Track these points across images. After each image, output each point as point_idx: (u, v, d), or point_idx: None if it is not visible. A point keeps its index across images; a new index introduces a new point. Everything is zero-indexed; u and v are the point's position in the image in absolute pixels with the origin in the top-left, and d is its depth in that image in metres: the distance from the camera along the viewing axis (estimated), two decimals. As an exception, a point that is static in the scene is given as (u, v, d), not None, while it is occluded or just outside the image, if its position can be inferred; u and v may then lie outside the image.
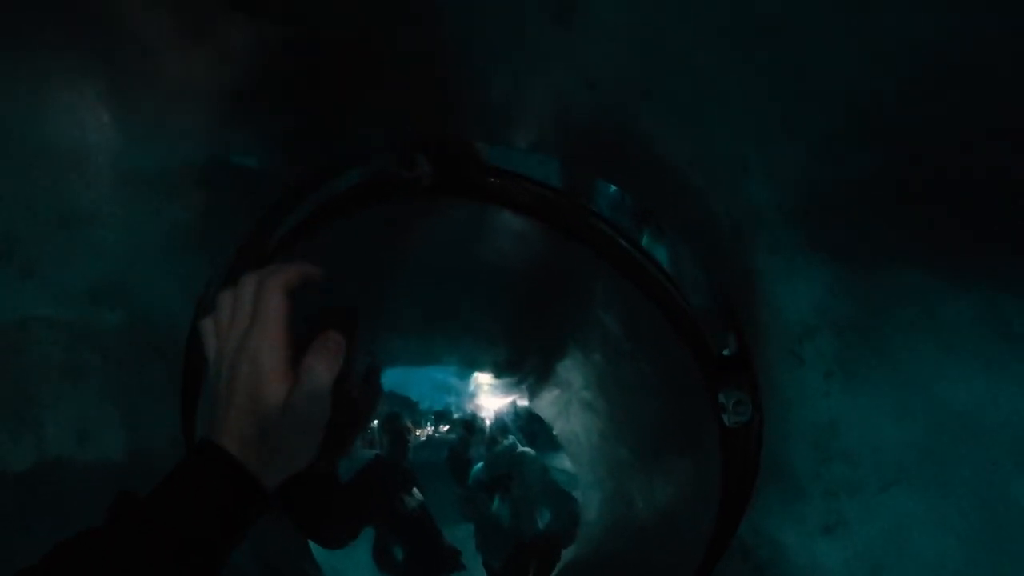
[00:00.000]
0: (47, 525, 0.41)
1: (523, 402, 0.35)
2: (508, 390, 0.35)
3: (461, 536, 0.36)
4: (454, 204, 0.39)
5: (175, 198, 0.38)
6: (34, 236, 0.38)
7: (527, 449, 0.36)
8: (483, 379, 0.35)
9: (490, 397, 0.35)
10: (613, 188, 0.40)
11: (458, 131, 0.41)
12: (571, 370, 0.36)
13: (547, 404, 0.35)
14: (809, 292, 0.37)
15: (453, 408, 0.35)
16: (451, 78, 0.39)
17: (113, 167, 0.38)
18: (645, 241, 0.40)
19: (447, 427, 0.35)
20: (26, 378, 0.40)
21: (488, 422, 0.35)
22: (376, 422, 0.34)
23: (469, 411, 0.35)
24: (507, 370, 0.35)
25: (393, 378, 0.35)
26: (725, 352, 0.40)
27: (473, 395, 0.35)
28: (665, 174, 0.39)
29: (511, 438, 0.36)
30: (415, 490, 0.35)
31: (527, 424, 0.35)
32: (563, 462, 0.36)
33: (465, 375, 0.35)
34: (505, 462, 0.36)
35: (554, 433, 0.35)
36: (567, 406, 0.35)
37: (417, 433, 0.35)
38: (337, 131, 0.40)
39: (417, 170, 0.40)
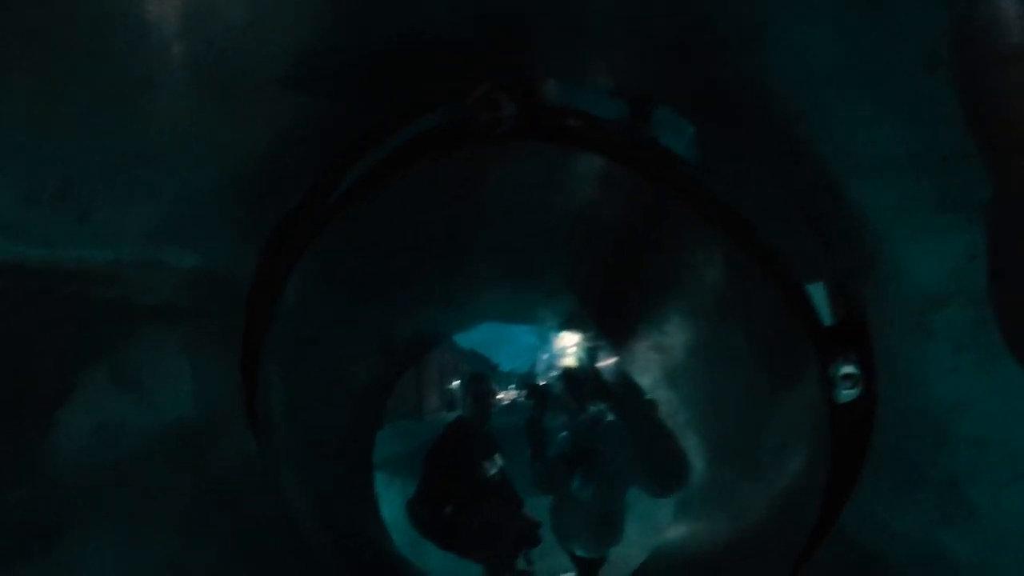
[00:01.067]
0: (108, 481, 0.39)
1: (616, 369, 0.32)
2: (599, 354, 0.32)
3: (542, 509, 0.33)
4: (538, 149, 0.36)
5: (238, 141, 0.36)
6: (91, 177, 0.36)
7: (618, 421, 0.32)
8: (573, 340, 0.32)
9: (579, 361, 0.32)
10: (711, 135, 0.36)
11: (538, 71, 0.37)
12: (670, 335, 0.32)
13: (643, 371, 0.32)
14: (943, 256, 0.33)
15: (538, 371, 0.32)
16: (528, 14, 0.36)
17: (176, 107, 0.35)
18: (746, 193, 0.36)
19: (531, 391, 0.32)
20: (83, 325, 0.39)
21: (576, 388, 0.32)
22: (458, 383, 0.32)
23: (556, 375, 0.32)
24: (599, 332, 0.32)
25: (475, 337, 0.32)
26: (835, 320, 0.36)
27: (561, 358, 0.32)
28: (771, 120, 0.35)
29: (600, 407, 0.32)
30: (496, 457, 0.32)
31: (620, 393, 0.32)
32: (659, 435, 0.32)
33: (553, 336, 0.32)
34: (591, 434, 0.33)
35: (650, 404, 0.32)
36: (666, 374, 0.32)
37: (500, 396, 0.32)
38: (409, 74, 0.37)
39: (499, 112, 0.36)
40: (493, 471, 0.32)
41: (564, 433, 0.33)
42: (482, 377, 0.32)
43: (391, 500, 0.34)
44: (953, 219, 0.32)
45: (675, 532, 0.33)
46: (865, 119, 0.33)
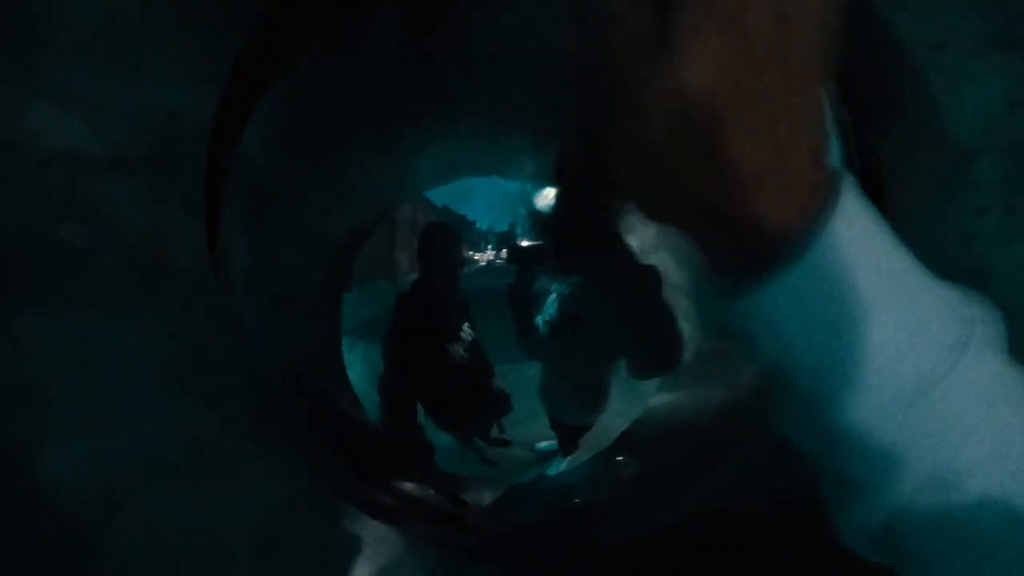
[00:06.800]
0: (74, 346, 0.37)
1: (607, 227, 0.29)
2: (589, 212, 0.29)
3: (517, 378, 0.31)
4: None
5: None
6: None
7: (609, 285, 0.30)
8: (559, 197, 0.29)
9: (567, 220, 0.29)
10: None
11: None
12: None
13: (637, 231, 0.29)
14: (980, 103, 0.29)
15: (519, 230, 0.29)
16: None
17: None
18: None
19: (511, 252, 0.29)
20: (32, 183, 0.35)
21: (562, 249, 0.29)
22: (424, 241, 0.29)
23: (539, 235, 0.29)
24: (592, 184, 0.29)
25: (449, 192, 0.29)
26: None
27: (547, 214, 0.29)
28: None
29: (590, 268, 0.30)
30: (465, 323, 0.29)
31: (609, 253, 0.29)
32: (648, 299, 0.30)
33: (540, 189, 0.29)
34: (577, 299, 0.30)
35: (644, 267, 0.29)
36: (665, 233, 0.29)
37: (476, 257, 0.29)
38: None
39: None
40: (463, 337, 0.30)
41: (552, 297, 0.30)
42: (450, 235, 0.29)
43: (360, 366, 0.31)
44: (997, 61, 0.28)
45: (660, 400, 0.32)
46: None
